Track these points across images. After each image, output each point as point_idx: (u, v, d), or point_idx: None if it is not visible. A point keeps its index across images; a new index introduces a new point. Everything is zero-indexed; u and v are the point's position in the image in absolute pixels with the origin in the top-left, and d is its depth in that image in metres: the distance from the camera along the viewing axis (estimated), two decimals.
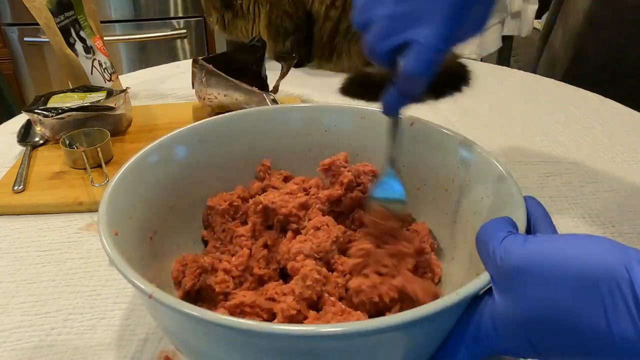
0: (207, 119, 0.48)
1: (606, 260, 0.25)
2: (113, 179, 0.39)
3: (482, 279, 0.30)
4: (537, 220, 0.35)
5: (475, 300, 0.31)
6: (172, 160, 0.45)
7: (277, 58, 0.88)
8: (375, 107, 0.49)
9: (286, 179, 0.50)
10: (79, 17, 0.80)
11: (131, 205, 0.39)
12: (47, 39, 0.77)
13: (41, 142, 0.71)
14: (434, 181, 0.46)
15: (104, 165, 0.64)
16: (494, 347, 0.30)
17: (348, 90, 0.89)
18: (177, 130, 0.46)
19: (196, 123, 0.47)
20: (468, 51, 1.48)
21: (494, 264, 0.30)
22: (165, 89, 0.93)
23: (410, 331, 0.29)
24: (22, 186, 0.61)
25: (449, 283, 0.42)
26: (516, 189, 0.38)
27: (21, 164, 0.65)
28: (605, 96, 0.87)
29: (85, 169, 0.64)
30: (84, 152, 0.63)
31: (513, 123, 0.80)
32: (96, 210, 0.58)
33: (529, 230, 0.35)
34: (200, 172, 0.47)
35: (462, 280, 0.40)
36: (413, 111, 0.84)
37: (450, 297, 0.29)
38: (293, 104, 0.48)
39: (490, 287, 0.31)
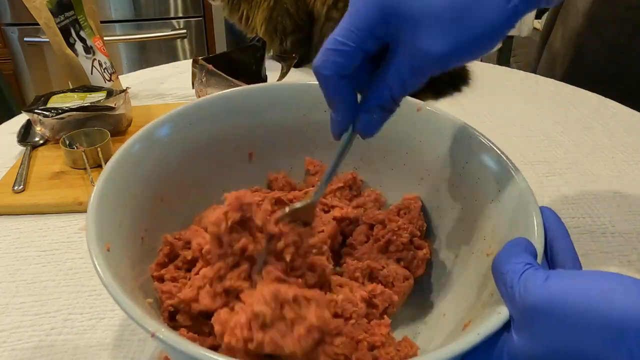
0: (194, 101, 0.45)
1: (633, 308, 0.25)
2: (98, 183, 0.36)
3: (501, 317, 0.29)
4: (553, 233, 0.34)
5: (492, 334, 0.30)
6: (157, 148, 0.42)
7: (277, 58, 0.88)
8: None
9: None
10: (79, 17, 0.80)
11: (119, 209, 0.37)
12: (47, 39, 0.77)
13: (41, 142, 0.71)
14: (439, 172, 0.44)
15: (104, 165, 0.63)
16: None
17: None
18: (161, 116, 0.43)
19: (182, 106, 0.44)
20: None
21: (512, 300, 0.29)
22: (165, 89, 0.93)
23: None
24: (22, 186, 0.61)
25: (453, 281, 0.42)
26: (533, 201, 0.35)
27: (21, 164, 0.65)
28: (605, 96, 0.87)
29: (85, 169, 0.64)
30: (84, 152, 0.63)
31: (513, 123, 0.80)
32: None
33: (545, 246, 0.33)
34: (188, 157, 0.44)
35: (469, 287, 0.39)
36: None
37: (470, 337, 0.28)
38: (288, 82, 0.45)
39: (509, 322, 0.29)
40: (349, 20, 0.32)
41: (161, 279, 0.38)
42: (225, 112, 0.46)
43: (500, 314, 0.29)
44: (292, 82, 0.50)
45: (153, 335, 0.27)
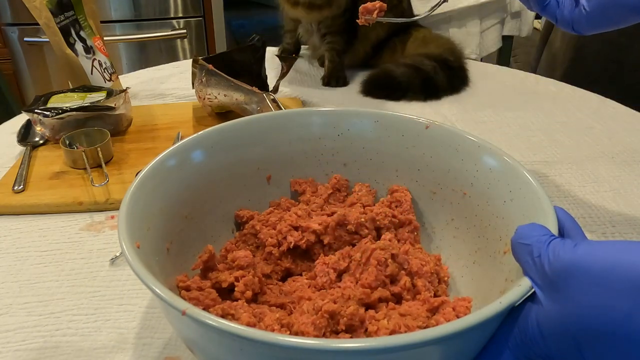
0: (217, 125, 0.47)
1: None
2: (129, 190, 0.38)
3: (522, 287, 0.29)
4: (568, 229, 0.34)
5: (517, 306, 0.30)
6: (186, 167, 0.44)
7: (277, 58, 0.88)
8: (388, 110, 0.49)
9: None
10: (79, 17, 0.80)
11: (147, 215, 0.38)
12: (47, 39, 0.77)
13: (41, 142, 0.71)
14: (451, 184, 0.45)
15: (104, 165, 0.64)
16: (539, 352, 0.30)
17: (369, 90, 0.87)
18: (191, 137, 0.45)
19: (209, 129, 0.46)
20: (468, 51, 1.48)
21: (539, 269, 0.29)
22: (165, 89, 0.93)
23: (449, 343, 0.29)
24: (22, 186, 0.61)
25: (472, 287, 0.42)
26: (543, 194, 0.37)
27: (21, 164, 0.65)
28: (605, 96, 0.87)
29: (85, 169, 0.64)
30: (84, 152, 0.63)
31: (513, 123, 0.80)
32: (96, 210, 0.59)
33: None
34: (213, 178, 0.46)
35: (488, 284, 0.39)
36: (414, 110, 0.84)
37: (493, 306, 0.28)
38: (309, 108, 0.47)
39: (534, 292, 0.30)
40: None
41: (187, 289, 0.38)
42: (248, 137, 0.48)
43: (520, 286, 0.29)
44: (309, 109, 0.53)
45: (184, 313, 0.28)
